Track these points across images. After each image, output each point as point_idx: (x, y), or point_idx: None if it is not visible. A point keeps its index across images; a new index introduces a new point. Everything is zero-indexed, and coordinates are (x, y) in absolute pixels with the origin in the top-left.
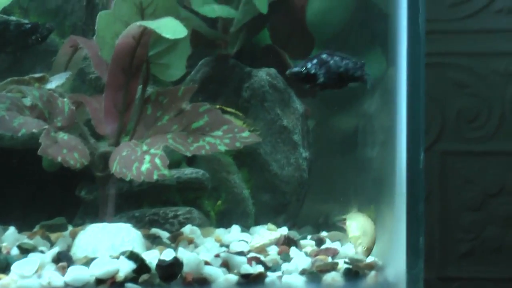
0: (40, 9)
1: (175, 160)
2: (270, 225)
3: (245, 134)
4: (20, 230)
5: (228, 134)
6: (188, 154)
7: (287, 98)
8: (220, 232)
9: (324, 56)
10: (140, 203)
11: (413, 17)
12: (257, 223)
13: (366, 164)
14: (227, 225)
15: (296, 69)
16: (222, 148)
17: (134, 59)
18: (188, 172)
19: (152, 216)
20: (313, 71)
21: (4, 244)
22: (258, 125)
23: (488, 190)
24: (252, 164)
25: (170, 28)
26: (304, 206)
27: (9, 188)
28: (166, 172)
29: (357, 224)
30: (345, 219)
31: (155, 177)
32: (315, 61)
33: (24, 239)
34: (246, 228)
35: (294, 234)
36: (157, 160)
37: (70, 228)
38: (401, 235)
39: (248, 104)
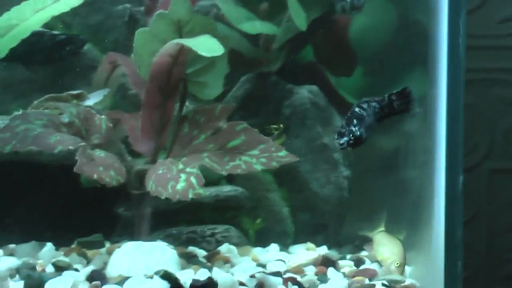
0: (83, 25)
1: (214, 178)
2: (309, 244)
3: (282, 153)
4: (58, 246)
5: (264, 154)
6: (224, 173)
7: (328, 116)
8: (257, 251)
9: (357, 110)
10: (177, 221)
11: (453, 37)
12: (297, 242)
13: (406, 186)
14: (265, 244)
15: (343, 140)
16: (258, 167)
17: (171, 77)
18: (226, 190)
19: (189, 234)
20: (359, 134)
21: (40, 261)
22: (298, 143)
23: None
24: (292, 182)
25: (207, 46)
26: (346, 226)
27: (48, 204)
28: (201, 191)
29: (383, 245)
30: (370, 241)
31: (190, 196)
32: (355, 121)
33: (60, 256)
34: (285, 247)
35: (333, 254)
36: (193, 179)
37: (107, 245)
38: (439, 259)
39: (289, 121)
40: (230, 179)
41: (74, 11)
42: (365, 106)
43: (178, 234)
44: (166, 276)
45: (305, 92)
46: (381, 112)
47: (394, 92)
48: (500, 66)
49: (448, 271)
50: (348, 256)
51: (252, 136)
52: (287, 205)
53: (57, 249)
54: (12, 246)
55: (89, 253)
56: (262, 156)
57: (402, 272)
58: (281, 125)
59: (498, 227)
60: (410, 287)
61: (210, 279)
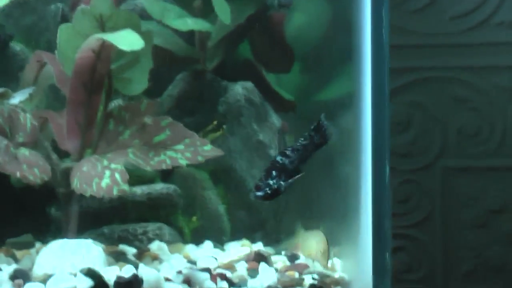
0: (16, 25)
1: (148, 177)
2: (245, 241)
3: (207, 147)
4: None
5: (190, 148)
6: (149, 168)
7: (263, 112)
8: (190, 248)
9: (278, 159)
10: (111, 220)
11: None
12: (234, 240)
13: (339, 181)
14: (201, 242)
15: (259, 194)
16: (184, 162)
17: (95, 73)
18: (158, 188)
19: (121, 233)
20: (276, 186)
21: None
22: (234, 140)
23: (491, 206)
24: (228, 180)
25: (127, 40)
26: (284, 222)
27: None
28: (125, 187)
29: (307, 240)
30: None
31: (115, 192)
32: (273, 173)
33: None
34: (220, 244)
35: (266, 250)
36: (117, 175)
37: (38, 245)
38: (368, 251)
39: (224, 119)
40: (165, 177)
41: (7, 13)
42: (288, 152)
43: (110, 233)
44: (90, 273)
45: (239, 89)
46: (306, 153)
47: (312, 128)
48: (452, 64)
49: (376, 262)
50: (283, 252)
51: (177, 130)
52: (223, 203)
53: None
54: None
55: (19, 254)
56: (187, 150)
57: (327, 259)
58: (214, 122)
59: (453, 225)
60: (339, 281)
61: (135, 275)
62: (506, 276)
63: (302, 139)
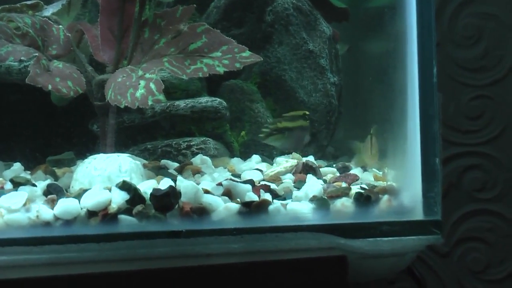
0: None
1: (193, 90)
2: (295, 154)
3: (246, 53)
4: (30, 166)
5: (227, 55)
6: (185, 77)
7: (313, 20)
8: (235, 162)
9: None
10: (154, 135)
11: None
12: (284, 154)
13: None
14: (250, 157)
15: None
16: (221, 69)
17: None
18: (203, 101)
19: (165, 148)
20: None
21: (0, 179)
22: (282, 50)
23: None
24: (277, 91)
25: None
26: (338, 135)
27: (18, 124)
28: (161, 97)
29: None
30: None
31: (150, 102)
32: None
33: (22, 174)
34: (271, 159)
35: (318, 162)
36: (152, 85)
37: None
38: (417, 158)
39: (272, 29)
40: (212, 91)
41: None
42: None
43: (154, 149)
44: (125, 186)
45: None
46: None
47: None
48: None
49: (425, 168)
50: (335, 165)
51: (214, 37)
52: (273, 116)
53: (25, 170)
54: None
55: (59, 171)
56: (224, 57)
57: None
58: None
59: None
60: (387, 189)
61: (171, 187)
62: None
63: None
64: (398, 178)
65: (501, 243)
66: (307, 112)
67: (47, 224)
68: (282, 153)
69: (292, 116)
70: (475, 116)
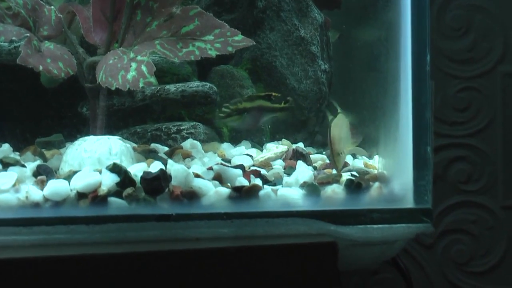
0: None
1: (184, 74)
2: (284, 141)
3: (238, 37)
4: (19, 148)
5: (219, 38)
6: (177, 60)
7: (305, 7)
8: (225, 147)
9: None
10: (144, 119)
11: None
12: (274, 140)
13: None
14: (240, 142)
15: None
16: (213, 53)
17: None
18: (194, 85)
19: (154, 132)
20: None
21: None
22: (273, 37)
23: None
24: (268, 78)
25: None
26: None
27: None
28: (152, 79)
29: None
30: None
31: (141, 85)
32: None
33: (12, 155)
34: (260, 145)
35: (308, 149)
36: (143, 67)
37: (69, 145)
38: (408, 146)
39: (263, 14)
40: (202, 75)
41: None
42: None
43: (143, 132)
44: (116, 169)
45: None
46: None
47: None
48: None
49: (417, 156)
50: (325, 152)
51: (206, 20)
52: None
53: (15, 151)
54: None
55: (48, 153)
56: (217, 41)
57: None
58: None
59: None
60: (378, 177)
61: (162, 171)
62: None
63: None
64: (389, 166)
65: (485, 235)
66: (275, 94)
67: (36, 205)
68: (272, 139)
69: (251, 97)
70: (462, 108)
